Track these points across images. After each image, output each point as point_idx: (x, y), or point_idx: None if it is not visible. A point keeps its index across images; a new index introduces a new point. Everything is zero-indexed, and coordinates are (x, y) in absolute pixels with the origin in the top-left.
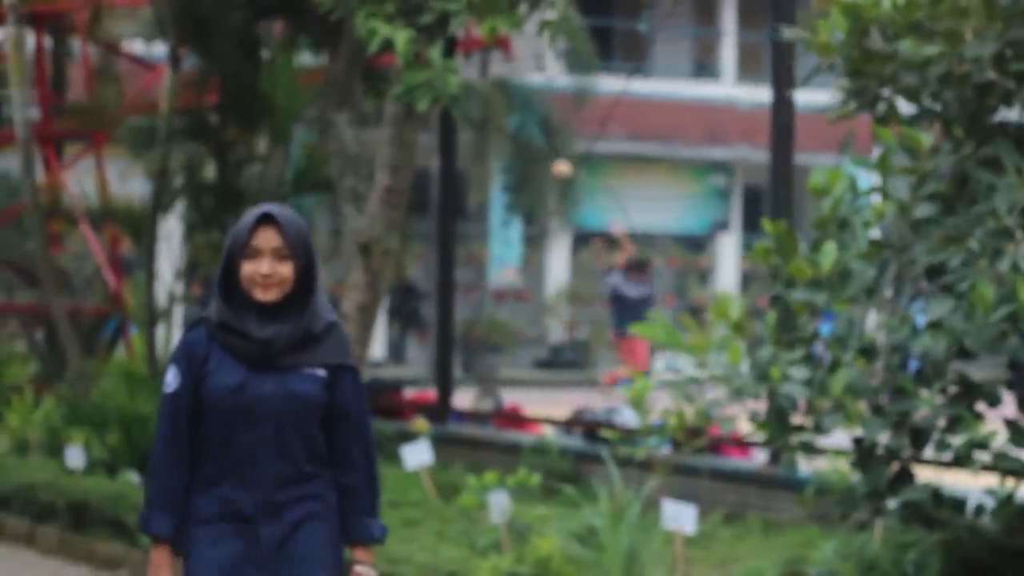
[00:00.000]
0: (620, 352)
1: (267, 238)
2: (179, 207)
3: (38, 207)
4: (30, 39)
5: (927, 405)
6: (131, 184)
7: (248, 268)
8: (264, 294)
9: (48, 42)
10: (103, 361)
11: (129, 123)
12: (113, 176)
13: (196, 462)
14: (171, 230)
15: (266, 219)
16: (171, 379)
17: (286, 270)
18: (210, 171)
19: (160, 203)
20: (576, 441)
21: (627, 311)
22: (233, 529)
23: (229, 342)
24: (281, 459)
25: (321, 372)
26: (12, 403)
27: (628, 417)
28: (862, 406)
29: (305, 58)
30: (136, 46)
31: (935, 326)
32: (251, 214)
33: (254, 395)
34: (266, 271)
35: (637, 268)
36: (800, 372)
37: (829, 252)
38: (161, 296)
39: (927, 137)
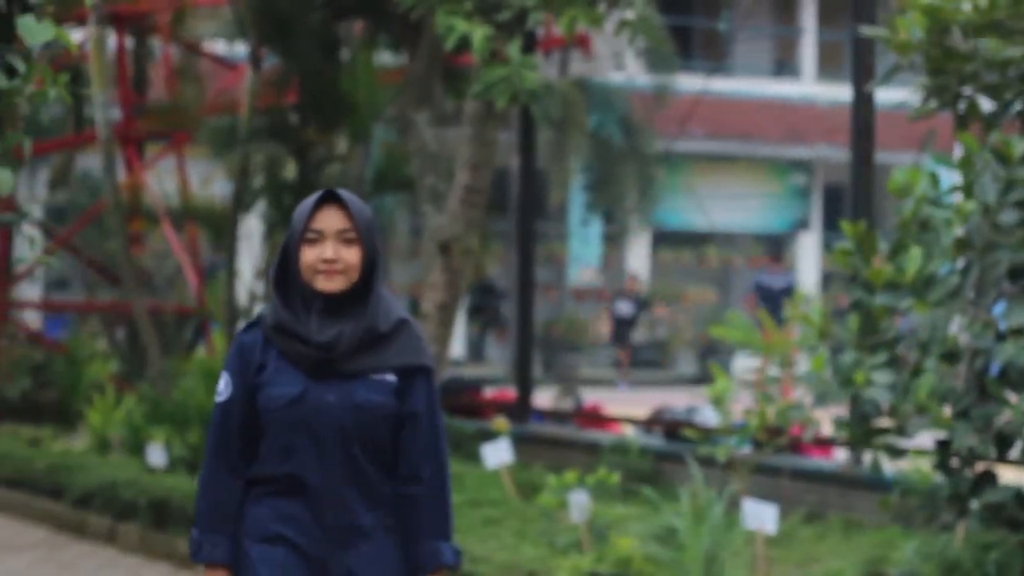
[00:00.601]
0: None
1: (331, 219)
2: (259, 206)
3: (119, 207)
4: (112, 40)
5: (1013, 410)
6: (212, 184)
7: (309, 254)
8: (327, 282)
9: (129, 42)
10: (184, 360)
11: (210, 123)
12: (194, 176)
13: (255, 478)
14: (251, 229)
15: (330, 198)
16: (223, 387)
17: (352, 256)
18: (290, 170)
19: (241, 202)
20: (656, 440)
21: (771, 302)
22: (294, 554)
23: (286, 347)
24: (347, 477)
25: (391, 377)
26: (94, 402)
27: (709, 416)
28: (946, 410)
29: (385, 57)
30: (217, 46)
31: (1018, 332)
32: (313, 195)
33: (315, 407)
34: (330, 255)
35: (775, 261)
36: (884, 377)
37: (914, 257)
38: (242, 295)
39: (1020, 143)
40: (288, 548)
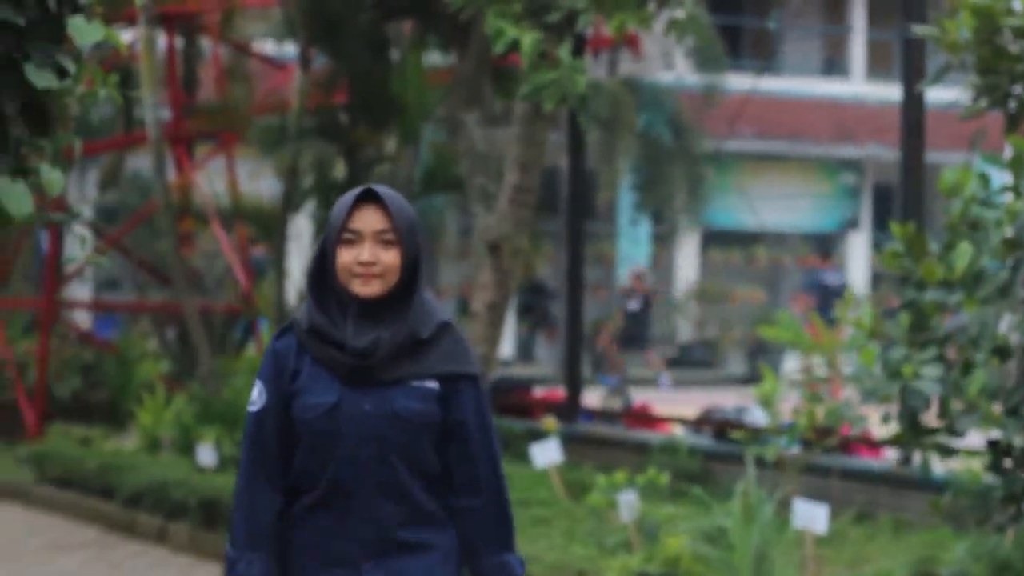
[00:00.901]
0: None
1: (369, 219)
2: (309, 206)
3: (170, 207)
4: (161, 40)
5: None
6: (261, 183)
7: (345, 256)
8: (364, 286)
9: (179, 43)
10: (234, 359)
11: (259, 123)
12: (243, 175)
13: (293, 491)
14: (301, 229)
15: (368, 197)
16: (256, 396)
17: (390, 258)
18: (340, 170)
19: (290, 202)
20: (705, 440)
21: (827, 300)
22: None
23: (321, 353)
24: (388, 492)
25: (433, 384)
26: (144, 401)
27: (758, 416)
28: (997, 408)
29: (434, 58)
30: (266, 46)
31: None
32: (350, 193)
33: (351, 416)
34: (367, 258)
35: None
36: (933, 370)
37: (964, 252)
38: (291, 295)
39: None
40: (327, 572)
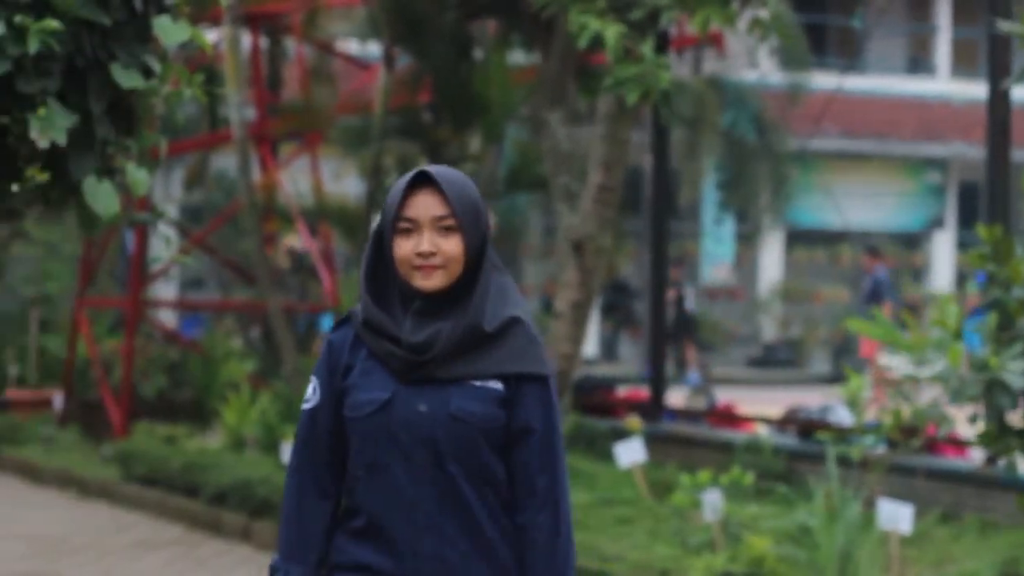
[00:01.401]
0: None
1: (425, 205)
2: None
3: (254, 206)
4: (246, 40)
5: None
6: (345, 183)
7: (403, 247)
8: (425, 280)
9: (264, 42)
10: (318, 358)
11: (343, 122)
12: (327, 175)
13: (345, 496)
14: None
15: (423, 180)
16: (310, 392)
17: (452, 246)
18: None
19: (374, 201)
20: (790, 440)
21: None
22: None
23: (376, 346)
24: (443, 502)
25: (497, 385)
26: (229, 400)
27: (843, 416)
28: None
29: (517, 56)
30: (350, 46)
31: None
32: (403, 177)
33: (404, 416)
34: (426, 248)
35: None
36: (1020, 364)
37: None
38: None
39: None
40: None
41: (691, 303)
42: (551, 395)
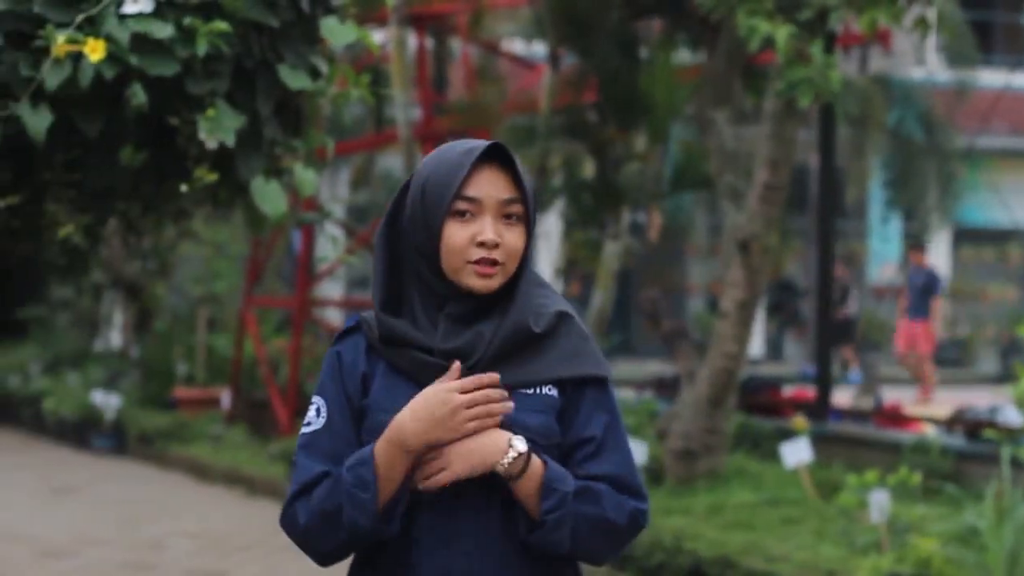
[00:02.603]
0: (904, 338)
1: (493, 184)
2: (558, 205)
3: None
4: (412, 40)
5: None
6: None
7: (458, 234)
8: (482, 279)
9: (429, 43)
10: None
11: (509, 122)
12: None
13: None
14: (549, 227)
15: (494, 154)
16: (312, 414)
17: (516, 240)
18: (588, 169)
19: (539, 201)
20: (958, 440)
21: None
22: None
23: (399, 359)
24: (489, 534)
25: (552, 391)
26: None
27: (1012, 416)
28: None
29: (683, 55)
30: (516, 46)
31: None
32: (459, 144)
33: None
34: (490, 236)
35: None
36: None
37: None
38: None
39: None
40: None
41: (854, 306)
42: (613, 399)
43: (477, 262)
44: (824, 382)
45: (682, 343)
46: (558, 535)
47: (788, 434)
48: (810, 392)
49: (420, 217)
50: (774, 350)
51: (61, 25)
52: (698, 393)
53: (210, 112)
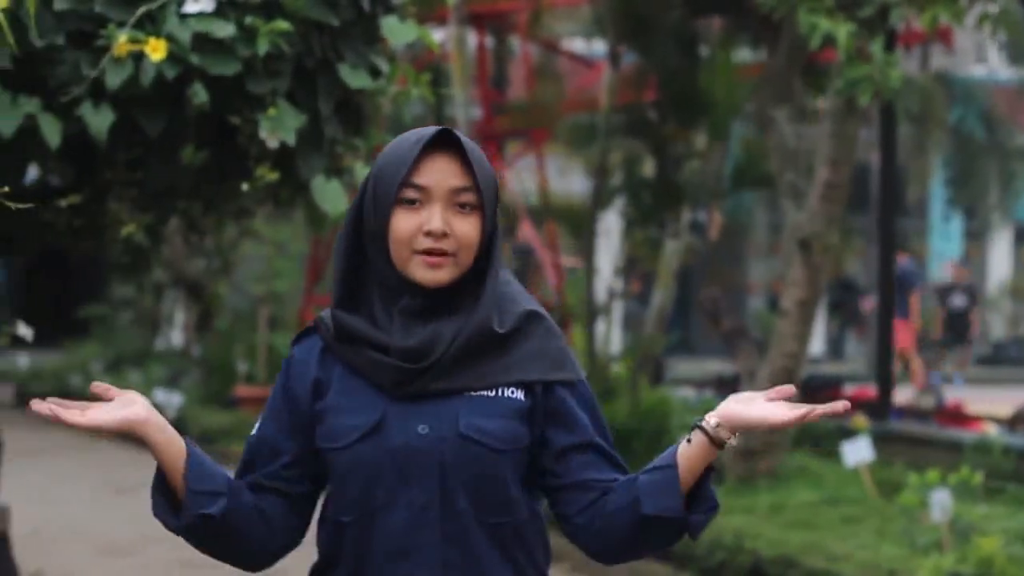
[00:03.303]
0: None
1: (442, 171)
2: (618, 203)
3: None
4: (472, 39)
5: None
6: (570, 180)
7: (405, 223)
8: (430, 271)
9: (489, 41)
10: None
11: (569, 120)
12: (553, 173)
13: (323, 557)
14: (610, 226)
15: (443, 139)
16: (259, 422)
17: (468, 229)
18: (648, 167)
19: (599, 200)
20: (1020, 439)
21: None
22: None
23: (355, 359)
24: (448, 551)
25: (516, 394)
26: None
27: None
28: None
29: (743, 54)
30: (575, 44)
31: None
32: (412, 133)
33: (399, 441)
34: (437, 226)
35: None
36: None
37: None
38: (600, 292)
39: None
40: None
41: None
42: (592, 401)
43: (424, 252)
44: (885, 381)
45: (742, 342)
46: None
47: (849, 433)
48: (871, 391)
49: (371, 207)
50: (835, 349)
51: (123, 24)
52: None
53: (271, 111)
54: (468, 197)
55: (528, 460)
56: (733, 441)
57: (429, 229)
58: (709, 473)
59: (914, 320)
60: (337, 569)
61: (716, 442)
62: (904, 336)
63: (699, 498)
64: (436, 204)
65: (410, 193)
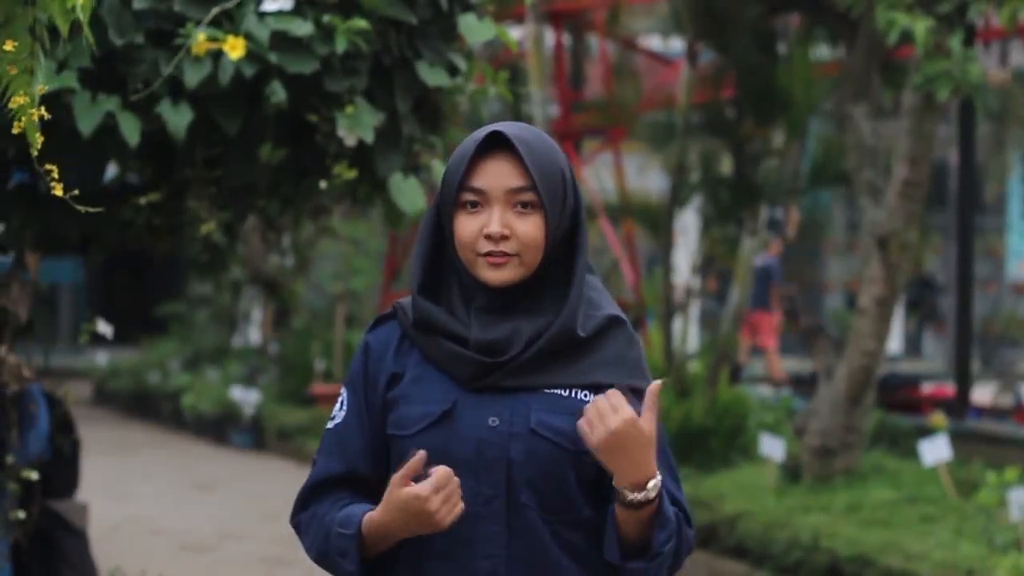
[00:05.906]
0: (751, 329)
1: (498, 173)
2: (695, 201)
3: None
4: (549, 37)
5: None
6: (648, 179)
7: (467, 226)
8: (493, 271)
9: (567, 40)
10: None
11: (646, 118)
12: (631, 171)
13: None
14: (687, 224)
15: (496, 141)
16: (336, 408)
17: (530, 229)
18: (726, 165)
19: (677, 197)
20: None
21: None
22: None
23: (431, 349)
24: (512, 541)
25: (586, 397)
26: None
27: None
28: None
29: (821, 51)
30: (653, 42)
31: None
32: (470, 137)
33: (468, 432)
34: (495, 229)
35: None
36: None
37: None
38: (678, 289)
39: None
40: None
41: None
42: (662, 427)
43: (486, 255)
44: (963, 379)
45: (820, 340)
46: (662, 565)
47: (927, 431)
48: (949, 389)
49: (441, 209)
50: (913, 347)
51: (201, 23)
52: (836, 390)
53: (349, 109)
54: (527, 196)
55: (595, 465)
56: (638, 495)
57: (488, 232)
58: (653, 520)
59: (776, 312)
60: (399, 552)
61: (622, 502)
62: (767, 333)
63: (646, 547)
64: (495, 206)
65: (469, 196)
